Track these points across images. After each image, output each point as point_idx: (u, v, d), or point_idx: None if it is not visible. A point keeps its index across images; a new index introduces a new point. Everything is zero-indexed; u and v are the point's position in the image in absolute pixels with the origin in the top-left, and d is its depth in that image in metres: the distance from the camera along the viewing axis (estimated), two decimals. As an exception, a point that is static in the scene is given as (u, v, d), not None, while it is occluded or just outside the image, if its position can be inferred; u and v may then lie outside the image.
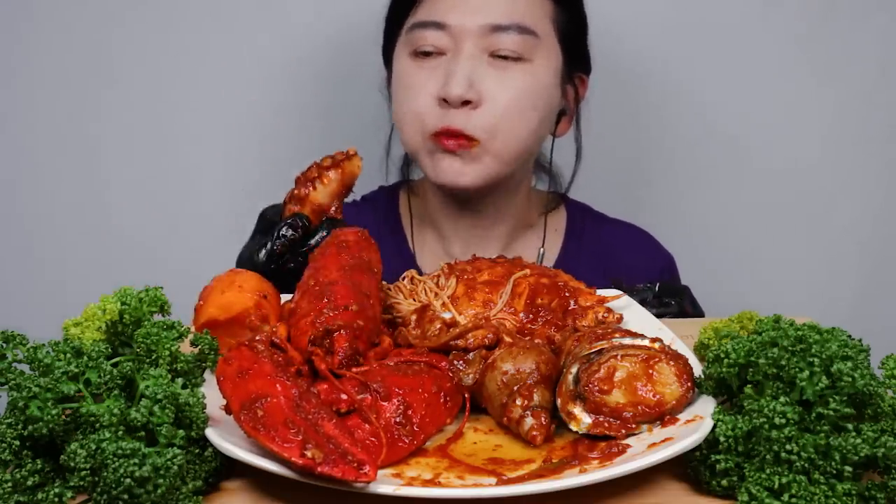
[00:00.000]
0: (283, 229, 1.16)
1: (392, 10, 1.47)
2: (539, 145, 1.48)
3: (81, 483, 0.73)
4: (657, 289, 1.23)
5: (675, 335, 0.99)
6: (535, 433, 0.83)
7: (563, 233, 1.57)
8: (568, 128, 1.52)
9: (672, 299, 1.23)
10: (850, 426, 0.77)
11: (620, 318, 1.05)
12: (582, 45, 1.48)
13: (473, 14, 1.36)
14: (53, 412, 0.76)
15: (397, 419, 0.82)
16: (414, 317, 1.00)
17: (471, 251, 1.47)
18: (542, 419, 0.83)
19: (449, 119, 1.36)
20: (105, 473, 0.71)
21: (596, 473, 0.76)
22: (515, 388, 0.86)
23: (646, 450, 0.79)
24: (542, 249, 1.52)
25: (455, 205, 1.50)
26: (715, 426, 0.80)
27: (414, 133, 1.40)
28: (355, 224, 1.13)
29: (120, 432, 0.75)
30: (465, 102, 1.35)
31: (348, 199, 1.60)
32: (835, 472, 0.75)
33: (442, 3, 1.38)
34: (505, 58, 1.36)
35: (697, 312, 1.26)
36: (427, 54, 1.39)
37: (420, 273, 1.14)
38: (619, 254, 1.55)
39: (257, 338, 0.88)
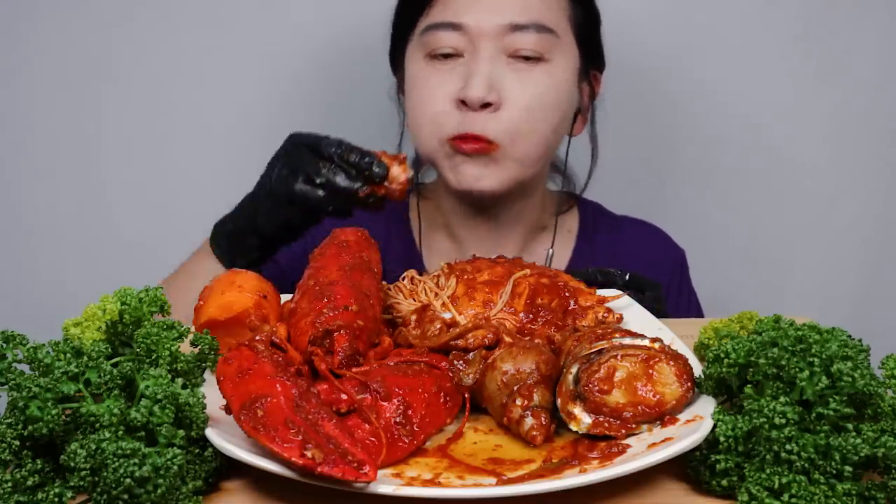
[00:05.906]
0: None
1: (402, 13, 1.44)
2: (558, 146, 1.45)
3: (81, 483, 0.73)
4: (627, 278, 1.19)
5: (675, 335, 0.99)
6: (535, 433, 0.83)
7: (575, 234, 1.54)
8: (583, 127, 1.49)
9: (640, 294, 1.18)
10: (850, 426, 0.77)
11: (620, 318, 1.05)
12: (596, 42, 1.46)
13: (490, 14, 1.33)
14: (53, 412, 0.76)
15: (397, 419, 0.82)
16: (414, 317, 1.00)
17: (487, 256, 1.46)
18: (542, 419, 0.83)
19: (468, 123, 1.32)
20: (105, 473, 0.71)
21: (596, 473, 0.76)
22: (515, 388, 0.86)
23: (646, 450, 0.79)
24: (550, 251, 1.48)
25: (471, 209, 1.47)
26: (715, 426, 0.80)
27: (430, 137, 1.36)
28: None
29: (120, 432, 0.75)
30: (485, 105, 1.31)
31: None
32: (835, 472, 0.75)
33: (456, 3, 1.35)
34: (525, 58, 1.33)
35: (661, 312, 1.20)
36: (443, 56, 1.35)
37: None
38: (632, 252, 1.52)
39: (257, 338, 0.87)
